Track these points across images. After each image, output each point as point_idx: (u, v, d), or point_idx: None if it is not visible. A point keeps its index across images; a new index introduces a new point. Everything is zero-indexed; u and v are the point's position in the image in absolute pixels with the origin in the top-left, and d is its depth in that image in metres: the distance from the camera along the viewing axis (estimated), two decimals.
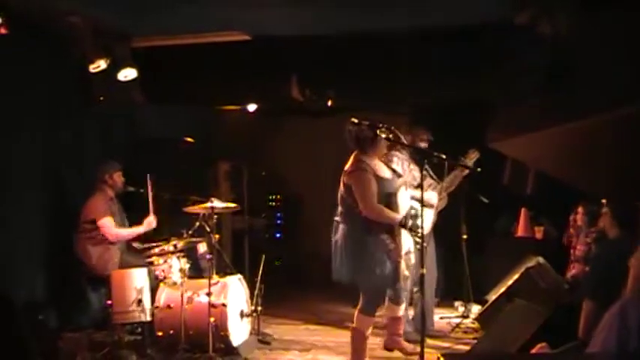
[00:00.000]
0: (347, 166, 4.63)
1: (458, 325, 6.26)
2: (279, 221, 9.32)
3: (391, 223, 4.55)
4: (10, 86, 5.44)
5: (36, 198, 5.82)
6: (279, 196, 9.35)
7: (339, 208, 4.67)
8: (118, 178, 5.84)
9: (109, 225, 5.66)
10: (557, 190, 6.36)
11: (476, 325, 6.23)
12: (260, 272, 5.88)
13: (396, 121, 4.97)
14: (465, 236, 6.46)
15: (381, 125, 4.45)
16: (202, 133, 7.70)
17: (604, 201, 4.69)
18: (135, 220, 6.00)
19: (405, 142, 4.85)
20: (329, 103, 7.12)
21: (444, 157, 4.71)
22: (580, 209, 5.76)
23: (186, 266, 5.49)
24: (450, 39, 5.99)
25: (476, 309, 6.53)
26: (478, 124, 6.78)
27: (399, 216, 4.57)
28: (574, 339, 4.12)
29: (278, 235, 9.27)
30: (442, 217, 5.81)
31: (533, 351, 3.98)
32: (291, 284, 8.21)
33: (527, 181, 6.96)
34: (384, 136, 4.48)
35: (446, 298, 7.19)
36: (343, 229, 4.61)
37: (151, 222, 5.80)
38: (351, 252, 4.54)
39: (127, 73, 5.83)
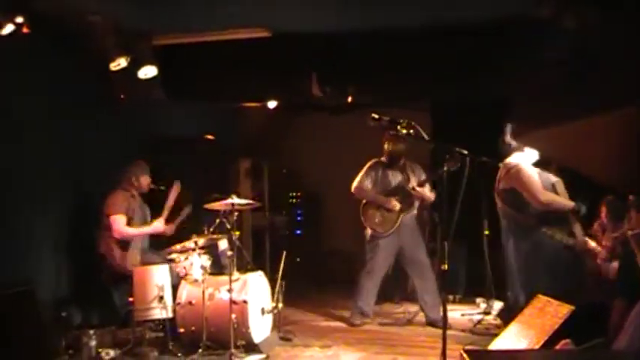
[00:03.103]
0: (501, 173, 4.86)
1: (480, 322, 6.21)
2: (299, 218, 9.32)
3: (564, 209, 4.63)
4: (33, 85, 5.48)
5: (60, 196, 5.87)
6: (299, 193, 9.36)
7: (503, 222, 4.83)
8: (145, 181, 5.91)
9: (118, 222, 5.66)
10: (582, 185, 6.25)
11: (498, 321, 6.18)
12: (281, 269, 5.85)
13: (416, 118, 4.95)
14: (486, 232, 6.41)
15: (401, 121, 4.39)
16: (223, 131, 7.71)
17: (631, 197, 4.62)
18: (157, 216, 6.02)
19: (425, 136, 4.87)
20: (349, 99, 7.09)
21: (465, 152, 4.66)
22: (604, 204, 5.66)
23: (208, 263, 5.52)
24: (470, 34, 5.92)
25: (498, 305, 6.48)
26: (500, 120, 6.67)
27: (570, 202, 4.66)
28: (598, 336, 4.06)
29: (298, 232, 9.28)
30: (463, 213, 5.76)
31: (557, 347, 3.93)
32: (312, 281, 8.20)
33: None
34: (404, 132, 4.41)
35: (468, 295, 7.20)
36: (512, 241, 4.69)
37: (158, 227, 5.83)
38: (527, 264, 4.57)
39: (147, 71, 5.83)
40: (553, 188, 4.74)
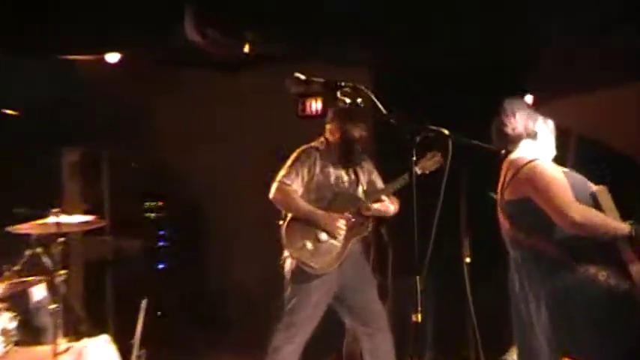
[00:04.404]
0: (505, 176, 4.76)
1: None
2: (162, 242, 9.06)
3: (612, 233, 4.48)
4: None
5: None
6: (161, 202, 9.11)
7: (513, 254, 4.73)
8: None
9: None
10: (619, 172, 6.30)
11: None
12: (139, 328, 5.86)
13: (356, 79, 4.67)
14: (468, 259, 6.35)
15: (342, 84, 4.24)
16: (35, 102, 7.33)
17: None
18: None
19: (383, 109, 4.78)
20: (246, 49, 7.08)
21: (446, 132, 4.38)
22: None
23: (13, 325, 5.37)
24: None
25: None
26: (483, 89, 6.61)
27: (622, 223, 4.49)
28: None
29: (162, 265, 9.01)
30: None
31: None
32: (191, 344, 7.98)
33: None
34: (348, 100, 4.26)
35: (443, 356, 7.20)
36: (527, 284, 4.66)
37: None
38: (553, 318, 4.48)
39: None
40: (594, 201, 4.58)
